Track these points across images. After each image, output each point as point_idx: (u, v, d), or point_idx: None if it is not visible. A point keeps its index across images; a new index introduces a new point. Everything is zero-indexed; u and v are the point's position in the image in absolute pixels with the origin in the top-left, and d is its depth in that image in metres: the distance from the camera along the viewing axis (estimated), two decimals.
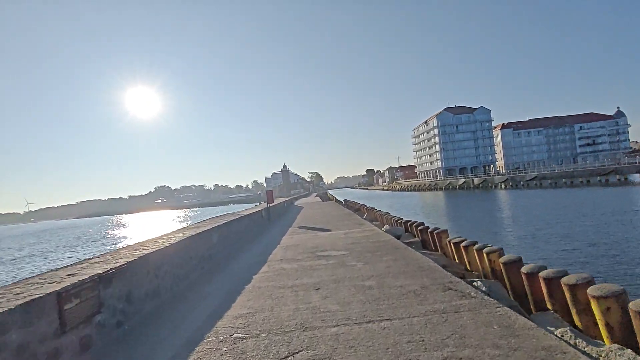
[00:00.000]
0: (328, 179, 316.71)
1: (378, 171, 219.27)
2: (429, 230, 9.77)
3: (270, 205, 16.79)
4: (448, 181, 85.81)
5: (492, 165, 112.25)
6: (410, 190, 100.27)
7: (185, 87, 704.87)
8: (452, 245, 7.95)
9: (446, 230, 9.13)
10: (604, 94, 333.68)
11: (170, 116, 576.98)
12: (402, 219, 13.56)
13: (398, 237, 11.69)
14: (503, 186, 65.16)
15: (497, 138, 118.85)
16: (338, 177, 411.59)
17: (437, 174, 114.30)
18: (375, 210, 20.11)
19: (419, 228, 10.38)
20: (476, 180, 74.62)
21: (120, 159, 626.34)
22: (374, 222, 17.15)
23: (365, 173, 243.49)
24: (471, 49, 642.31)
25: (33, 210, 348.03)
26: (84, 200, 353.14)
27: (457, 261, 7.72)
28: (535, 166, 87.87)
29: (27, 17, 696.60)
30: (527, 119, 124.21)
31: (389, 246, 7.80)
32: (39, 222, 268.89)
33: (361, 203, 28.82)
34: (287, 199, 34.82)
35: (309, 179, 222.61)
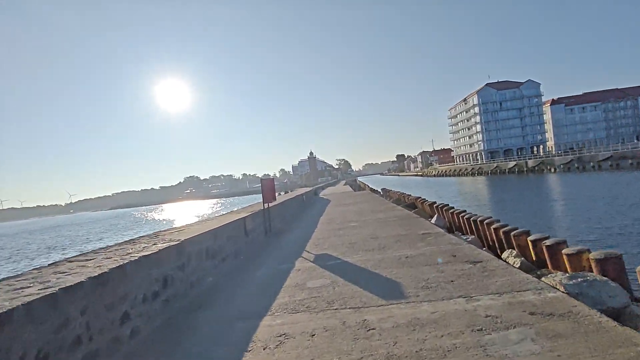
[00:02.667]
0: (356, 166, 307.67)
1: (409, 156, 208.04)
2: None
3: (270, 205, 9.42)
4: (495, 164, 75.46)
5: (541, 146, 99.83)
6: (448, 176, 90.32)
7: (214, 78, 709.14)
8: None
9: None
10: None
11: (199, 107, 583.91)
12: (564, 242, 5.73)
13: None
14: (567, 169, 54.78)
15: (547, 115, 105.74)
16: (366, 164, 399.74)
17: (478, 157, 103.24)
18: (460, 213, 10.95)
19: None
20: (530, 163, 64.17)
21: (152, 150, 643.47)
22: (462, 236, 9.45)
23: (395, 159, 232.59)
24: (515, 16, 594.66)
25: (73, 201, 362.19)
26: (119, 191, 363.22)
27: None
28: (591, 146, 75.77)
29: (63, 17, 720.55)
30: (581, 93, 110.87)
31: None
32: (78, 213, 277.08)
33: (415, 195, 20.55)
34: (309, 189, 27.39)
35: (336, 166, 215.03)
